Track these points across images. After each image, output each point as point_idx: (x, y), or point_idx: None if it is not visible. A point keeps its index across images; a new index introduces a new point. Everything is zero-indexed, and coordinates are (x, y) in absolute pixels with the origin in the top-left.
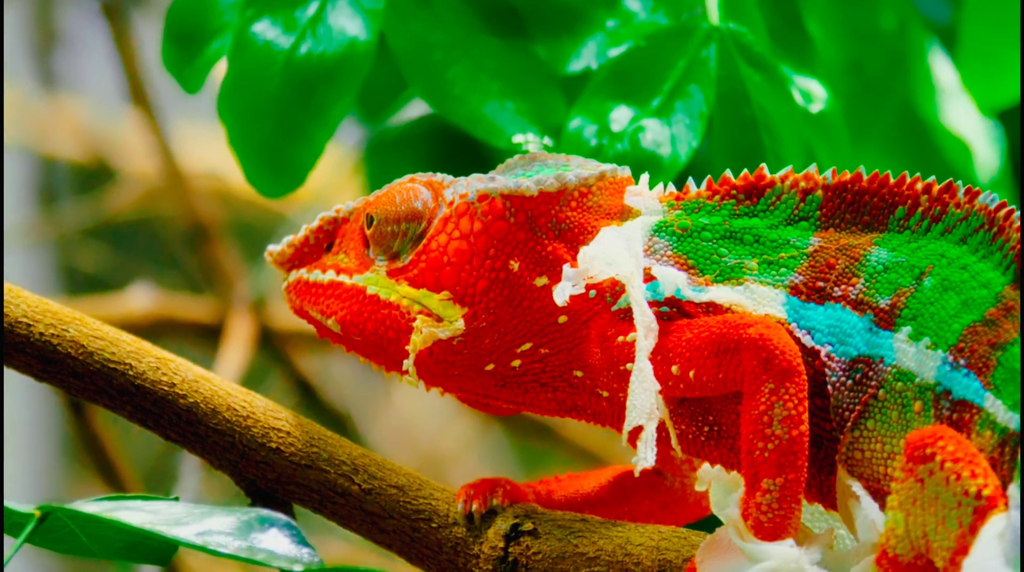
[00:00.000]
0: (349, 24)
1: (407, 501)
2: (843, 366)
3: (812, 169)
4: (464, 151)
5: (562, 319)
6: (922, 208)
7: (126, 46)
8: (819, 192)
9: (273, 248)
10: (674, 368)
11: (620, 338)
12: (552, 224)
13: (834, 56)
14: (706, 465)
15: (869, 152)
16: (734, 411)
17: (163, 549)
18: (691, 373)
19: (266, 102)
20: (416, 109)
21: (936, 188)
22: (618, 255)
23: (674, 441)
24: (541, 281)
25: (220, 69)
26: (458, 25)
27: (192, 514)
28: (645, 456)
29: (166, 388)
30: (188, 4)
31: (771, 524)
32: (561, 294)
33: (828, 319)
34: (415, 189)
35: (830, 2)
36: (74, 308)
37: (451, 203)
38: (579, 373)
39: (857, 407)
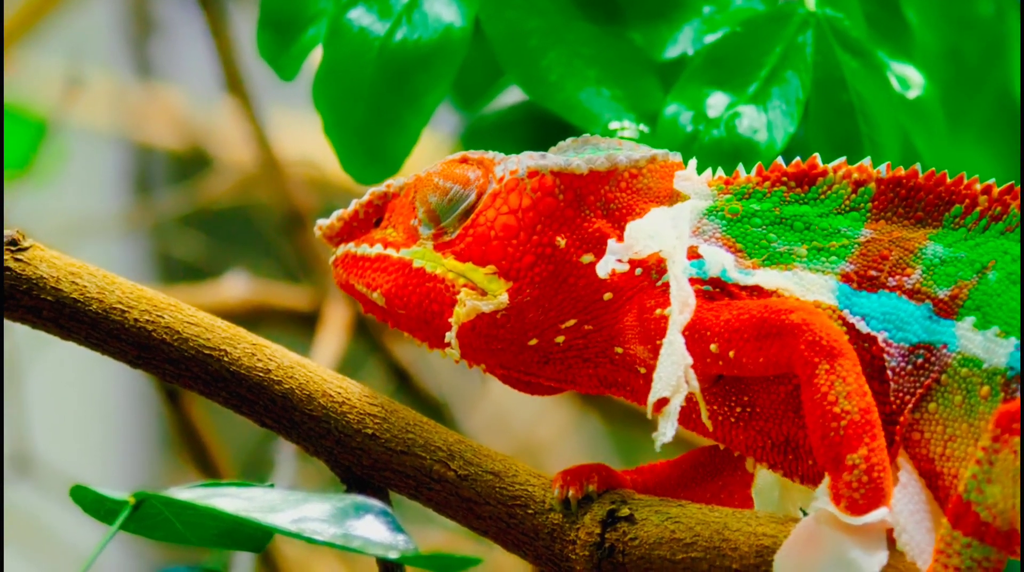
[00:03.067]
0: (444, 10)
1: (503, 487)
2: (902, 352)
3: (866, 162)
4: (560, 138)
5: (607, 296)
6: (980, 207)
7: (221, 34)
8: (872, 184)
9: (322, 222)
10: (712, 346)
11: (658, 311)
12: (601, 203)
13: (931, 42)
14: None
15: (966, 138)
16: (772, 391)
17: (258, 536)
18: (731, 353)
19: (361, 89)
20: (512, 96)
21: (996, 190)
22: (662, 229)
23: (704, 416)
24: (587, 258)
25: (315, 56)
26: (554, 11)
27: (287, 501)
28: (665, 431)
29: (261, 374)
30: None
31: (865, 499)
32: (604, 267)
33: (883, 307)
34: (466, 165)
35: None
36: (169, 296)
37: (501, 179)
38: (620, 350)
39: (919, 390)
